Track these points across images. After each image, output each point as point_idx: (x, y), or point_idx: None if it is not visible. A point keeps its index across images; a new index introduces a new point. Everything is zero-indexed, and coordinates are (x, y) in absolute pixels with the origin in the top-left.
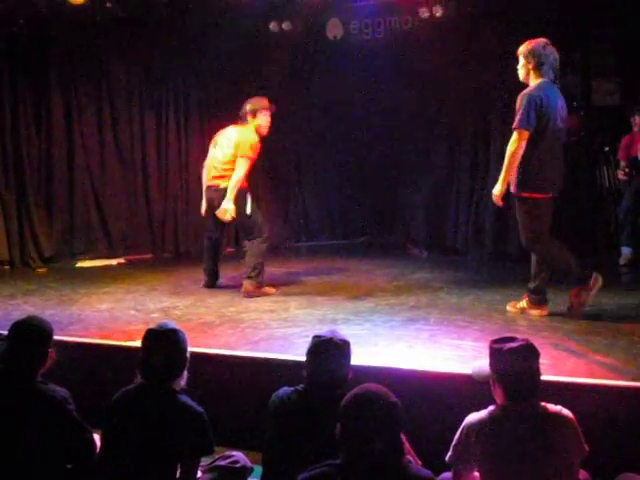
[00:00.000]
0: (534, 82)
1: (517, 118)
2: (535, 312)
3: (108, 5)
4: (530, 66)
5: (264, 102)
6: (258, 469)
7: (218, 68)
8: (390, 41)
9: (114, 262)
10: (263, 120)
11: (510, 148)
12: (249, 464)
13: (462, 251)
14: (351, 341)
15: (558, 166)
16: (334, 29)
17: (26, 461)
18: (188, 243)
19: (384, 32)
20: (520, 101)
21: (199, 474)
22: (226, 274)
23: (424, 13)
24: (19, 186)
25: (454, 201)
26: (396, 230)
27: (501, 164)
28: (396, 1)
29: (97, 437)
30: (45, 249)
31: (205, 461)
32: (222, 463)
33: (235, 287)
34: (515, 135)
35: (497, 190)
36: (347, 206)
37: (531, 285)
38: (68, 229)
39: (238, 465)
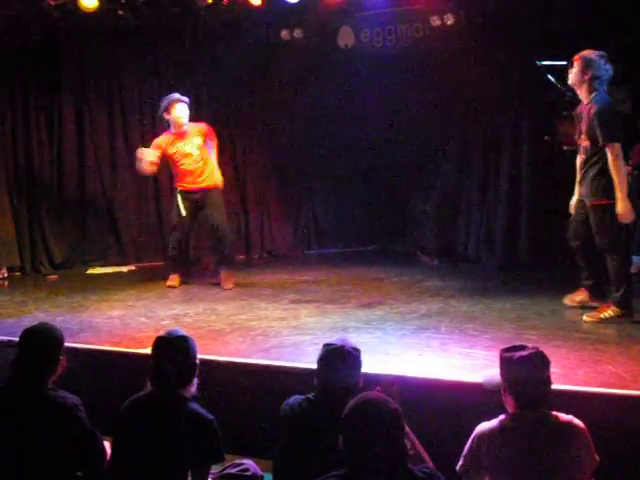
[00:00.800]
0: (591, 93)
1: (608, 134)
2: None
3: (120, 12)
4: (586, 77)
5: (170, 97)
6: (268, 477)
7: (229, 75)
8: (401, 49)
9: (125, 269)
10: (174, 112)
11: (616, 165)
12: (259, 472)
13: (473, 259)
14: (362, 349)
15: None
16: (345, 37)
17: (36, 468)
18: (199, 250)
19: (395, 40)
20: (605, 116)
21: None
22: (236, 281)
23: (435, 21)
24: (30, 192)
25: (465, 209)
26: (407, 238)
27: (513, 172)
28: (407, 9)
29: (107, 444)
30: (56, 256)
31: (215, 469)
32: (232, 471)
33: (245, 295)
34: (614, 151)
35: (623, 208)
36: (357, 214)
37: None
38: (79, 236)
39: (248, 473)
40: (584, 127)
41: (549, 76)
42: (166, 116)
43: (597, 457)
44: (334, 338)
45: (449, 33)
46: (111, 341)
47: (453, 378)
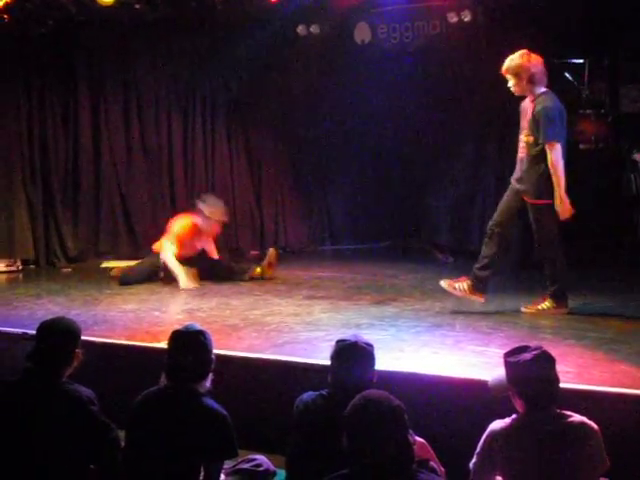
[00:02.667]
0: (537, 93)
1: (547, 132)
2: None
3: (136, 6)
4: (524, 82)
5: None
6: (281, 473)
7: (245, 71)
8: (418, 46)
9: None
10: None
11: (554, 164)
12: (272, 468)
13: None
14: (376, 346)
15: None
16: (362, 33)
17: (50, 460)
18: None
19: (412, 37)
20: (544, 115)
21: (222, 477)
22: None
23: (452, 18)
24: (45, 186)
25: (480, 207)
26: (421, 235)
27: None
28: (424, 6)
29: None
30: (70, 249)
31: (228, 464)
32: (245, 466)
33: (259, 290)
34: (552, 150)
35: (562, 206)
36: (372, 210)
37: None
38: (94, 229)
39: (261, 469)
40: (526, 123)
41: (566, 74)
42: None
43: (608, 461)
44: (347, 334)
45: (466, 30)
46: (125, 335)
47: (467, 376)
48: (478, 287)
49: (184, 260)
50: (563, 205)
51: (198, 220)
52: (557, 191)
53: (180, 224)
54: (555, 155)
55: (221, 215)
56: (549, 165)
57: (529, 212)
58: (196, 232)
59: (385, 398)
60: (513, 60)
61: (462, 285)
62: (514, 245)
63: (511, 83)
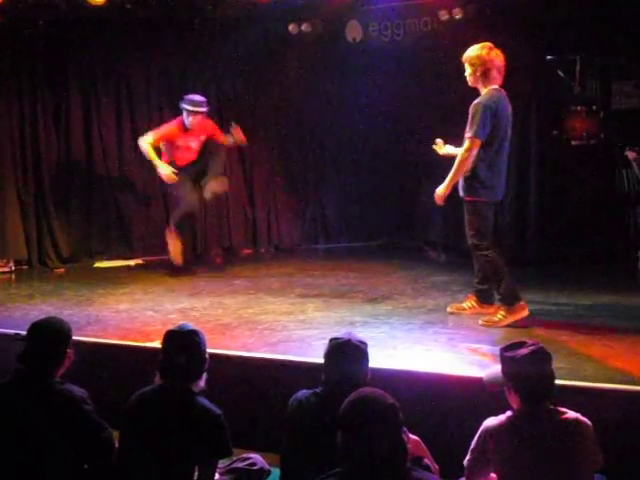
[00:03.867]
0: (484, 89)
1: (472, 127)
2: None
3: (128, 6)
4: (478, 73)
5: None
6: (276, 471)
7: (236, 69)
8: (409, 43)
9: (132, 263)
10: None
11: (462, 155)
12: (267, 466)
13: None
14: (369, 344)
15: (503, 172)
16: (353, 31)
17: (43, 461)
18: (205, 244)
19: (403, 34)
20: (474, 110)
21: (216, 476)
22: (244, 275)
23: (444, 15)
24: (38, 186)
25: None
26: (414, 233)
27: (521, 166)
28: (416, 3)
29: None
30: (63, 249)
31: (223, 463)
32: (240, 465)
33: (253, 289)
34: (468, 143)
35: (440, 191)
36: (365, 208)
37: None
38: (86, 229)
39: (256, 467)
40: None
41: (558, 71)
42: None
43: (601, 457)
44: (341, 332)
45: (457, 27)
46: (118, 335)
47: (460, 373)
48: (486, 299)
49: (190, 165)
50: (443, 192)
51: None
52: (448, 179)
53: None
54: (467, 150)
55: (199, 105)
56: (459, 155)
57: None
58: (180, 128)
59: (380, 396)
60: (473, 50)
61: (469, 303)
62: (505, 242)
63: (467, 72)
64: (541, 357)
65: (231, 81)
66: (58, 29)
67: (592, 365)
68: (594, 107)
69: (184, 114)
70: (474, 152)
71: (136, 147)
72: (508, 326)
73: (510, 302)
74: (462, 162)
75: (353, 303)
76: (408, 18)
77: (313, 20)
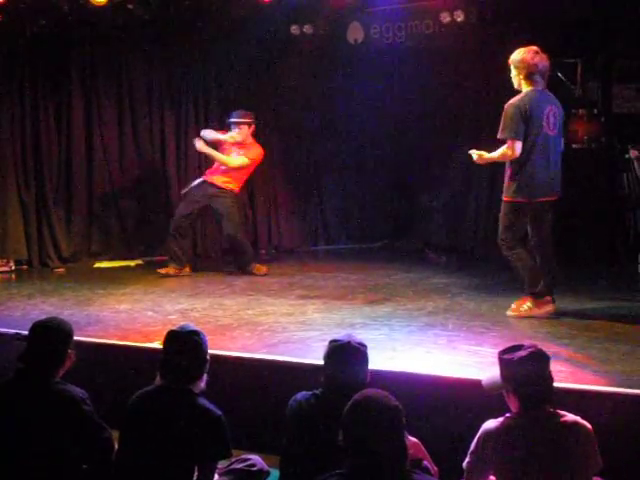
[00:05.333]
0: (523, 90)
1: (504, 129)
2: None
3: (130, 6)
4: (521, 76)
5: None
6: (275, 473)
7: (238, 70)
8: (411, 46)
9: (132, 263)
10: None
11: (505, 153)
12: (266, 468)
13: (480, 256)
14: (369, 346)
15: (539, 172)
16: (355, 33)
17: (43, 461)
18: (206, 245)
19: (405, 37)
20: (505, 111)
21: (216, 477)
22: (244, 276)
23: (445, 18)
24: (38, 186)
25: (473, 206)
26: (414, 235)
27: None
28: (418, 6)
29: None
30: (63, 249)
31: (222, 464)
32: (239, 466)
33: (253, 290)
34: (509, 145)
35: (480, 153)
36: (365, 210)
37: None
38: (87, 229)
39: (255, 468)
40: None
41: (559, 73)
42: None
43: (601, 460)
44: (341, 334)
45: (459, 30)
46: (118, 335)
47: (460, 375)
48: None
49: (208, 185)
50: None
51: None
52: (489, 155)
53: None
54: (510, 149)
55: (243, 116)
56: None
57: None
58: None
59: (384, 397)
60: (518, 53)
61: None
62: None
63: (512, 74)
64: (539, 359)
65: (233, 82)
66: (60, 30)
67: (592, 368)
68: (595, 110)
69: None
70: (517, 151)
71: (137, 147)
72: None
73: (538, 295)
74: (503, 156)
75: (353, 305)
76: (410, 20)
77: (315, 22)
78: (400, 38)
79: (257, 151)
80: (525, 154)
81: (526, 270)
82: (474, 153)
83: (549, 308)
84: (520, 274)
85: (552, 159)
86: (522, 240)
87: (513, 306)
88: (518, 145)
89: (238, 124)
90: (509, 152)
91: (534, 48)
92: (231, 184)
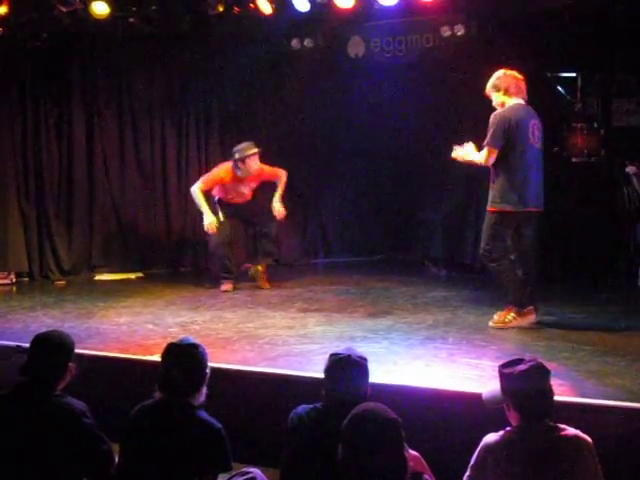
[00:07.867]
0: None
1: (489, 136)
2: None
3: (131, 20)
4: (501, 92)
5: (247, 149)
6: None
7: (239, 84)
8: (411, 59)
9: (133, 276)
10: (248, 164)
11: (480, 160)
12: None
13: (480, 270)
14: (369, 359)
15: (525, 184)
16: (355, 47)
17: (43, 474)
18: (207, 258)
19: (405, 50)
20: (491, 121)
21: None
22: (244, 289)
23: (446, 32)
24: (39, 199)
25: (473, 219)
26: (414, 248)
27: None
28: (418, 20)
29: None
30: (64, 262)
31: (222, 477)
32: (239, 479)
33: (253, 303)
34: (485, 152)
35: (467, 149)
36: (365, 223)
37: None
38: (87, 242)
39: None
40: None
41: (558, 87)
42: (240, 165)
43: (601, 474)
44: (341, 347)
45: (459, 44)
46: (119, 348)
47: (460, 389)
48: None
49: (235, 205)
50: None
51: (232, 165)
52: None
53: (217, 168)
54: (485, 158)
55: (249, 149)
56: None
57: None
58: (232, 175)
59: (383, 411)
60: (491, 79)
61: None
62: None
63: (494, 101)
64: (540, 373)
65: (233, 95)
66: (61, 42)
67: (592, 382)
68: (595, 124)
69: (234, 164)
70: (491, 160)
71: (138, 160)
72: (515, 327)
73: (521, 305)
74: (479, 162)
75: (353, 318)
76: (410, 34)
77: (315, 35)
78: (400, 52)
79: (270, 168)
80: (509, 166)
81: (509, 281)
82: (456, 148)
83: (532, 318)
84: (503, 285)
85: (539, 171)
86: (505, 251)
87: (495, 317)
88: (494, 155)
89: (249, 156)
90: (483, 159)
91: (500, 70)
92: None
